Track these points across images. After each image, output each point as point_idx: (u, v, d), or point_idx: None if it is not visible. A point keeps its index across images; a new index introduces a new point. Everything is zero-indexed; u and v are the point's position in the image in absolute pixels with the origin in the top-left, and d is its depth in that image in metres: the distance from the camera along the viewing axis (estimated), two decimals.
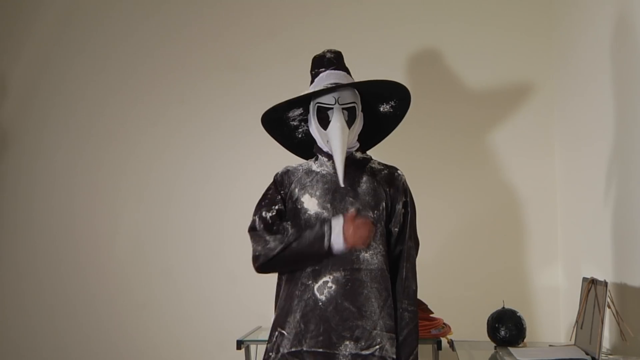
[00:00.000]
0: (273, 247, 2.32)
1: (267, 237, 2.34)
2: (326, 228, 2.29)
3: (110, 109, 3.78)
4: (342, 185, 2.33)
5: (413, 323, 2.37)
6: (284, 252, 2.31)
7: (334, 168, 2.36)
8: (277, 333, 2.37)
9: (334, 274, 2.33)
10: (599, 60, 2.73)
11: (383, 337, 2.32)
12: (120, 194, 3.73)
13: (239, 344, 2.96)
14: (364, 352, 2.30)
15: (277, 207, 2.41)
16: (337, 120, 2.35)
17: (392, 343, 2.33)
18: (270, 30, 3.68)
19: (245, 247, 3.49)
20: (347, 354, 2.30)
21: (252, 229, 2.41)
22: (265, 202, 2.44)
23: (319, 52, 2.54)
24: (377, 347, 2.31)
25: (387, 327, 2.33)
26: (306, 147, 2.56)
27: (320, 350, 2.30)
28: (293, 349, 2.32)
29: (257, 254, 2.36)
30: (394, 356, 2.32)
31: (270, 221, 2.39)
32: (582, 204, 3.05)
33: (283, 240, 2.31)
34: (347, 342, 2.30)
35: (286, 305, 2.37)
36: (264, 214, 2.40)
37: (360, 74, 2.53)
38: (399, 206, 2.43)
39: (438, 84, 3.56)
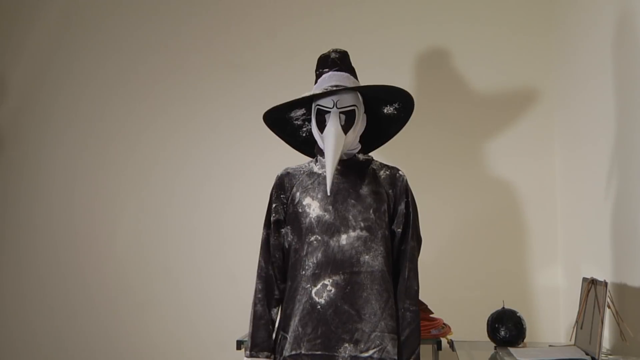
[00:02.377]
0: (252, 303, 2.46)
1: (255, 285, 2.46)
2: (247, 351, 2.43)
3: (110, 109, 3.78)
4: (328, 194, 2.33)
5: (415, 323, 2.37)
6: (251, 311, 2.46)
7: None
8: (280, 336, 2.41)
9: (334, 277, 2.34)
10: (599, 60, 2.73)
11: (384, 338, 2.32)
12: (121, 194, 3.74)
13: (239, 344, 2.96)
14: (363, 355, 2.31)
15: (273, 219, 2.46)
16: (331, 125, 2.34)
17: (394, 344, 2.34)
18: (270, 30, 3.68)
19: (245, 247, 3.51)
20: (346, 356, 2.31)
21: (260, 247, 2.49)
22: (266, 216, 2.49)
23: (319, 52, 2.53)
24: (377, 349, 2.32)
25: (388, 328, 2.33)
26: (310, 146, 2.56)
27: (319, 353, 2.31)
28: (293, 352, 2.34)
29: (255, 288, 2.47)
30: (395, 357, 2.32)
31: (265, 240, 2.47)
32: (582, 204, 3.05)
33: (252, 307, 2.45)
34: (347, 345, 2.31)
35: (288, 308, 2.40)
36: (263, 234, 2.48)
37: (361, 74, 2.53)
38: (401, 207, 2.43)
39: (438, 84, 3.56)
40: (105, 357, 3.65)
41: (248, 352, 2.41)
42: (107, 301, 3.68)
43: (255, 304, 2.43)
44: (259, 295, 2.43)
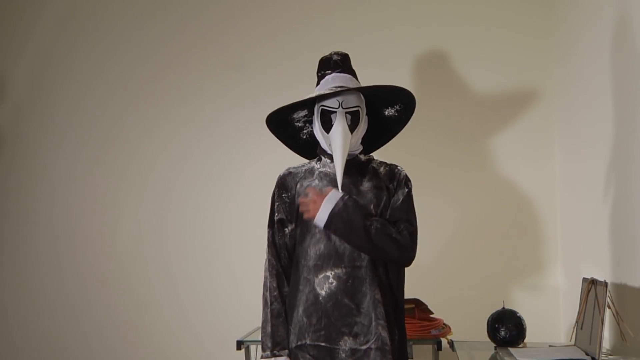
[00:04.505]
0: (263, 302, 2.44)
1: (269, 282, 2.44)
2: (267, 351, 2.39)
3: (110, 109, 3.78)
4: (340, 192, 2.34)
5: (402, 238, 2.33)
6: (263, 310, 2.43)
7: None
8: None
9: (336, 270, 2.35)
10: (598, 62, 2.73)
11: (378, 326, 2.34)
12: (121, 194, 3.74)
13: (239, 344, 2.96)
14: (362, 347, 2.33)
15: (276, 218, 2.47)
16: (339, 124, 2.36)
17: (384, 329, 2.34)
18: (271, 30, 3.68)
19: (245, 247, 3.53)
20: (346, 349, 2.33)
21: (268, 246, 2.48)
22: (270, 215, 2.49)
23: (320, 52, 2.54)
24: (374, 338, 2.33)
25: (380, 315, 2.34)
26: (311, 148, 2.58)
27: (322, 344, 2.34)
28: (299, 343, 2.37)
29: (263, 283, 2.46)
30: (389, 343, 2.33)
31: (271, 239, 2.47)
32: (582, 204, 3.05)
33: (266, 306, 2.43)
34: (346, 338, 2.33)
35: (291, 301, 2.41)
36: (269, 233, 2.48)
37: (361, 75, 2.53)
38: (398, 195, 2.42)
39: (438, 85, 3.56)
40: (105, 357, 3.65)
41: (269, 352, 2.38)
42: (107, 301, 3.68)
43: (271, 302, 2.42)
44: (275, 293, 2.43)
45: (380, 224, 2.32)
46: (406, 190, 2.44)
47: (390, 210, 2.41)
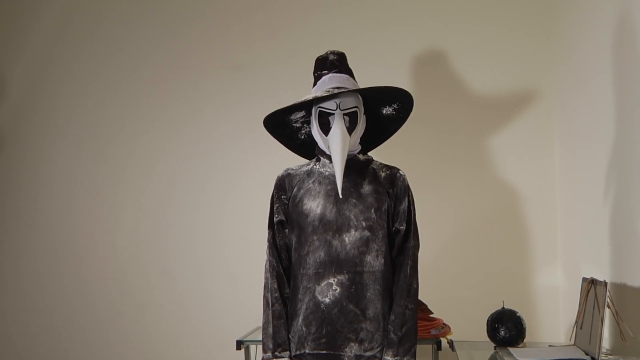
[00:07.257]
0: (264, 303, 2.45)
1: (270, 284, 2.44)
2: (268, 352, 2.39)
3: (110, 109, 3.78)
4: (340, 196, 2.34)
5: (412, 320, 2.38)
6: (264, 311, 2.44)
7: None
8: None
9: (338, 277, 2.35)
10: (598, 61, 2.73)
11: (384, 334, 2.34)
12: (120, 194, 3.73)
13: (239, 344, 2.95)
14: (367, 354, 2.33)
15: (276, 220, 2.47)
16: (337, 127, 2.35)
17: None
18: (270, 30, 3.68)
19: (245, 247, 3.53)
20: (351, 355, 2.32)
21: (268, 247, 2.48)
22: (269, 217, 2.49)
23: (319, 52, 2.53)
24: (380, 347, 2.35)
25: (386, 325, 2.36)
26: (309, 148, 2.57)
27: (324, 352, 2.33)
28: (298, 352, 2.37)
29: (264, 284, 2.46)
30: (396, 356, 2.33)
31: (272, 240, 2.47)
32: (581, 204, 3.05)
33: (267, 307, 2.43)
34: (352, 344, 2.33)
35: (291, 309, 2.42)
36: (269, 234, 2.48)
37: (360, 74, 2.53)
38: (403, 205, 2.43)
39: (437, 84, 3.56)
40: (105, 357, 3.65)
41: (270, 354, 2.37)
42: (107, 301, 3.68)
43: (272, 304, 2.41)
44: (276, 295, 2.42)
45: (410, 305, 2.38)
46: (407, 200, 2.45)
47: (397, 225, 2.42)
